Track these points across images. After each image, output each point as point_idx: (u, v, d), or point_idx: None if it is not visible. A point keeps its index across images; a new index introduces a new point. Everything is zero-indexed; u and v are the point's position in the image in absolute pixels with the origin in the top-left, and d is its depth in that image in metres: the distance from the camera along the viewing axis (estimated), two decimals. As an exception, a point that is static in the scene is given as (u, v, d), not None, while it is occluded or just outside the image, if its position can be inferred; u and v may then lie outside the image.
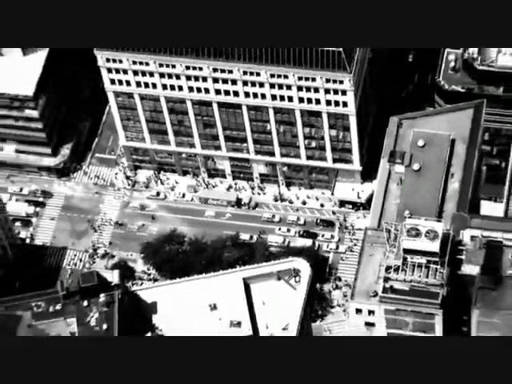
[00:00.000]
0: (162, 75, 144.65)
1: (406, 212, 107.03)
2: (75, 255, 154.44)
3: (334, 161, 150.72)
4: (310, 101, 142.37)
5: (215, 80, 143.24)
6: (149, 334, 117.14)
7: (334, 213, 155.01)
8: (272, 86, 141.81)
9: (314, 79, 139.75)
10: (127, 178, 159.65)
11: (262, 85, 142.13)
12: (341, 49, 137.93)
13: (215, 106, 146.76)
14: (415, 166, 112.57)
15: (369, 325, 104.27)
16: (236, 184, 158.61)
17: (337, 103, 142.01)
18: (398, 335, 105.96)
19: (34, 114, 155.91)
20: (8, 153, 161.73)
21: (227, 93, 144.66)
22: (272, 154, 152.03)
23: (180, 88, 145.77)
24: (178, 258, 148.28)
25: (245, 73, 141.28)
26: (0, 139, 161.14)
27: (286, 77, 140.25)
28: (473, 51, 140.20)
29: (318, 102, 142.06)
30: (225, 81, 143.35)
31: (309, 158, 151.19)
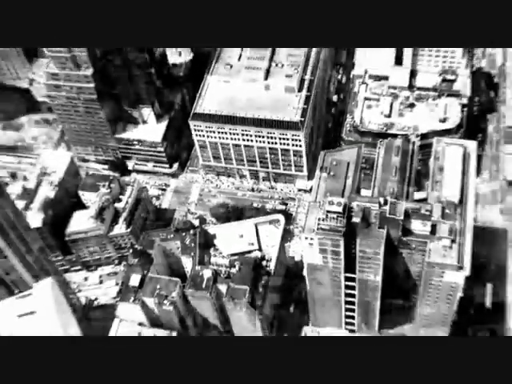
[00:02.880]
0: (219, 132, 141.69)
1: (327, 194, 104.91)
2: (180, 213, 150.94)
3: (295, 171, 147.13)
4: (283, 144, 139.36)
5: (242, 135, 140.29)
6: (212, 250, 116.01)
7: (295, 194, 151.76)
8: (267, 137, 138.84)
9: (286, 134, 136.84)
10: (203, 178, 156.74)
11: (262, 137, 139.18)
12: (298, 121, 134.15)
13: (242, 147, 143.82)
14: (331, 173, 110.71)
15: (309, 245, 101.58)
16: (252, 181, 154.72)
17: (296, 145, 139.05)
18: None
19: (161, 149, 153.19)
20: (149, 167, 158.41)
21: (248, 140, 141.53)
22: (267, 167, 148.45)
23: (226, 138, 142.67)
24: (225, 214, 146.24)
25: (256, 131, 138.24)
26: (146, 160, 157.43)
27: (273, 133, 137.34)
28: (356, 121, 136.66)
29: (287, 144, 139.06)
30: (246, 135, 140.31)
31: (284, 169, 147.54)
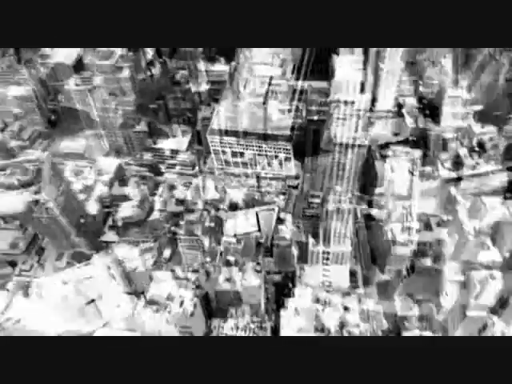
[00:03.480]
0: (229, 143, 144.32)
1: (310, 189, 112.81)
2: (200, 204, 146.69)
3: (286, 172, 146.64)
4: (277, 152, 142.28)
5: (246, 145, 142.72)
6: (224, 231, 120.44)
7: (286, 190, 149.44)
8: (266, 147, 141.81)
9: (279, 145, 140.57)
10: (217, 178, 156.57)
11: (262, 147, 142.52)
12: (288, 135, 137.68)
13: (246, 154, 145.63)
14: (313, 174, 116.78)
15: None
16: (254, 180, 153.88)
17: (287, 153, 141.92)
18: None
19: (186, 157, 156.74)
20: (177, 169, 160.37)
21: (251, 150, 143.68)
22: (266, 169, 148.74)
23: (235, 148, 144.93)
24: (234, 204, 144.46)
25: (257, 143, 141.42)
26: (174, 164, 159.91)
27: (270, 144, 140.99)
28: (331, 135, 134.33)
29: (279, 152, 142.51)
30: (250, 146, 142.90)
31: (278, 171, 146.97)
